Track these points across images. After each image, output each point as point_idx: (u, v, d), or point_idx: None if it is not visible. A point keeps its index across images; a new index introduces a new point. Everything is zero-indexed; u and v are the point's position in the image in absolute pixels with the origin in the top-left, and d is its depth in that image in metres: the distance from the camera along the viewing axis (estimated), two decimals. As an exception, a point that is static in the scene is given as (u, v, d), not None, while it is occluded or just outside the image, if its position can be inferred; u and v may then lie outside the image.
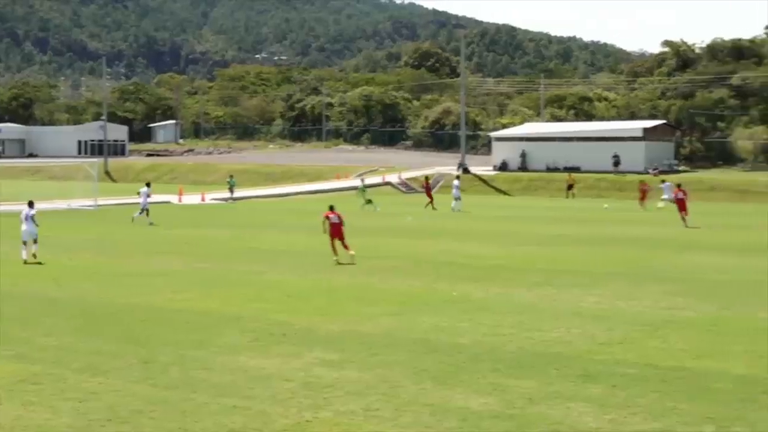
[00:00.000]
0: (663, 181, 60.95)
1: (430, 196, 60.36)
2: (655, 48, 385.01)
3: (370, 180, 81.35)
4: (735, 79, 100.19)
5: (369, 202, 57.78)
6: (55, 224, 45.47)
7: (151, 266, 29.45)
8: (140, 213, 47.12)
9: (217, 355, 16.39)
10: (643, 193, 61.57)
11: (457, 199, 57.94)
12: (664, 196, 57.77)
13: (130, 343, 17.51)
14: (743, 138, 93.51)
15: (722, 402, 13.36)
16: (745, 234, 41.81)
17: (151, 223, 45.73)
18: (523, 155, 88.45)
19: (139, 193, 48.42)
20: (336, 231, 30.77)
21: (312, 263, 30.12)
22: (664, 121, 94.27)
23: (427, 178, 68.25)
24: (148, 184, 49.74)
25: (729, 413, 12.79)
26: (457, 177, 67.57)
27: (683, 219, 45.30)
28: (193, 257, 31.92)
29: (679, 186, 48.30)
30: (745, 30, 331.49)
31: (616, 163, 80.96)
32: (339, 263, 30.01)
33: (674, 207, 48.02)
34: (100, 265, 29.88)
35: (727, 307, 21.46)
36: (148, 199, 48.02)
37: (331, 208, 31.43)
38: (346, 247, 30.54)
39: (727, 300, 22.50)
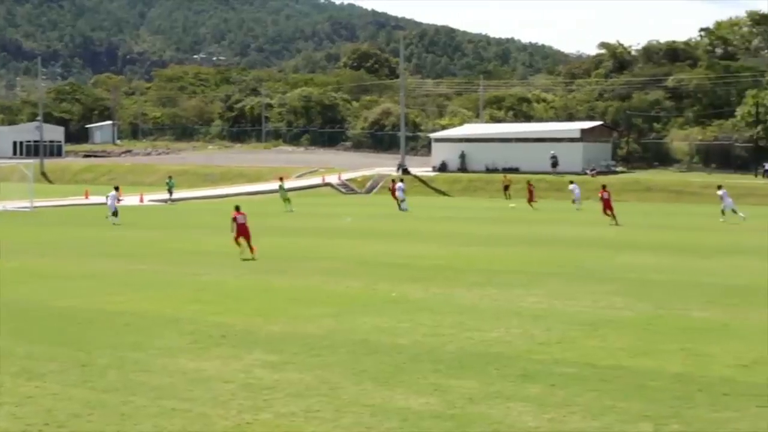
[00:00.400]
0: (571, 182, 63.88)
1: (395, 197, 60.81)
2: (591, 50, 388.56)
3: (310, 181, 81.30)
4: (670, 81, 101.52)
5: (287, 201, 58.25)
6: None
7: (88, 268, 29.13)
8: (113, 215, 47.46)
9: (155, 358, 16.25)
10: (530, 193, 64.12)
11: (404, 200, 58.80)
12: (575, 197, 61.46)
13: (67, 346, 17.30)
14: (679, 139, 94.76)
15: (659, 400, 13.51)
16: (679, 234, 42.38)
17: (114, 223, 46.56)
18: (463, 156, 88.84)
19: (107, 197, 48.75)
20: (243, 230, 32.21)
21: (250, 265, 30.00)
22: (601, 123, 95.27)
23: (393, 180, 68.48)
24: (116, 188, 50.62)
25: (665, 411, 12.94)
26: (401, 179, 68.07)
27: (613, 217, 47.37)
28: (130, 259, 31.64)
29: (604, 187, 50.42)
30: (680, 32, 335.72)
31: (554, 164, 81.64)
32: (244, 259, 31.02)
33: (582, 207, 53.39)
34: (36, 267, 29.50)
35: (663, 307, 21.71)
36: (115, 203, 48.32)
37: (237, 209, 33.00)
38: (251, 247, 31.94)
39: (663, 299, 22.76)
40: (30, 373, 15.12)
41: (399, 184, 61.88)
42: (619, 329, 18.97)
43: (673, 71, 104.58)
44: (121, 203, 50.29)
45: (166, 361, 15.95)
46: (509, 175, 77.05)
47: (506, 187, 73.57)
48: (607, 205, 48.29)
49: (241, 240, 32.04)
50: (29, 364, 15.83)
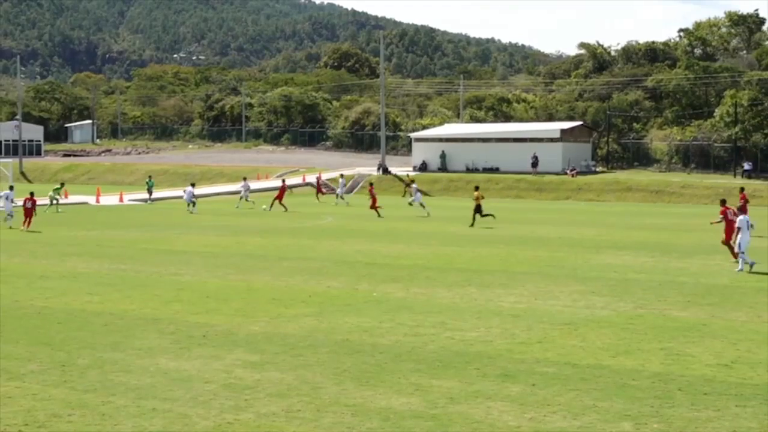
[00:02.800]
0: (341, 175, 69.26)
1: (321, 191, 63.77)
2: (571, 50, 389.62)
3: (291, 181, 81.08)
4: (649, 81, 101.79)
5: (57, 202, 57.77)
6: (-31, 226, 44.60)
7: (67, 268, 29.02)
8: (192, 206, 56.15)
9: (135, 358, 16.21)
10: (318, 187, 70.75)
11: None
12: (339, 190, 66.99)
13: (46, 346, 17.23)
14: (658, 139, 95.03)
15: (639, 399, 13.56)
16: (659, 234, 42.50)
17: (192, 212, 54.91)
18: (443, 156, 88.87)
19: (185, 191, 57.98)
20: (28, 213, 43.38)
21: (230, 264, 29.93)
22: (581, 123, 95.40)
23: (318, 177, 71.01)
24: (192, 185, 59.47)
25: (646, 410, 12.99)
26: (244, 178, 68.20)
27: (377, 210, 52.80)
28: (109, 259, 31.53)
29: (371, 184, 56.13)
30: (659, 33, 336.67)
31: (534, 164, 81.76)
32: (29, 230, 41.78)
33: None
34: (14, 267, 29.36)
35: (643, 306, 21.79)
36: (192, 197, 56.62)
37: (32, 194, 44.44)
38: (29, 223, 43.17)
39: (642, 299, 22.85)
40: (9, 374, 15.05)
41: (241, 183, 64.25)
42: (599, 329, 19.03)
43: (652, 72, 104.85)
44: (102, 203, 50.99)
45: (147, 362, 15.91)
46: (410, 175, 77.71)
47: (407, 185, 74.80)
48: (373, 202, 53.59)
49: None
50: (8, 364, 15.75)
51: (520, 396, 13.74)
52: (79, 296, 23.21)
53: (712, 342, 17.73)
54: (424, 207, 54.68)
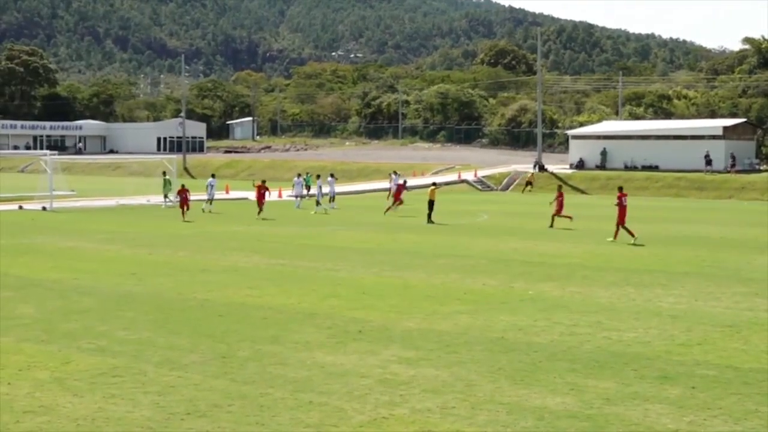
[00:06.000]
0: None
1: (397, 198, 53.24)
2: (735, 45, 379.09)
3: (446, 178, 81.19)
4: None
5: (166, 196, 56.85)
6: (134, 219, 46.17)
7: (228, 262, 29.70)
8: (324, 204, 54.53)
9: (293, 351, 16.49)
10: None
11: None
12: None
13: (207, 338, 17.68)
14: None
15: (805, 405, 13.12)
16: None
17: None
18: (604, 153, 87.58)
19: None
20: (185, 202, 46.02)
21: (385, 261, 30.14)
22: (744, 120, 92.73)
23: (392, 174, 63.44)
24: (332, 176, 59.72)
25: (812, 417, 12.57)
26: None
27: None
28: (268, 254, 32.13)
29: (262, 181, 52.64)
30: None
31: (709, 162, 79.32)
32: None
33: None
34: (179, 260, 30.22)
35: (810, 309, 21.06)
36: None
37: (183, 186, 47.14)
38: None
39: (809, 302, 22.08)
40: (172, 364, 15.51)
41: (296, 179, 58.79)
42: (763, 331, 18.48)
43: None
44: (229, 196, 52.00)
45: (304, 355, 16.17)
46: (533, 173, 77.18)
47: (528, 182, 77.86)
48: (259, 200, 49.53)
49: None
50: (171, 354, 16.24)
51: (679, 399, 13.46)
52: (239, 290, 23.74)
53: None
54: (318, 204, 53.60)
